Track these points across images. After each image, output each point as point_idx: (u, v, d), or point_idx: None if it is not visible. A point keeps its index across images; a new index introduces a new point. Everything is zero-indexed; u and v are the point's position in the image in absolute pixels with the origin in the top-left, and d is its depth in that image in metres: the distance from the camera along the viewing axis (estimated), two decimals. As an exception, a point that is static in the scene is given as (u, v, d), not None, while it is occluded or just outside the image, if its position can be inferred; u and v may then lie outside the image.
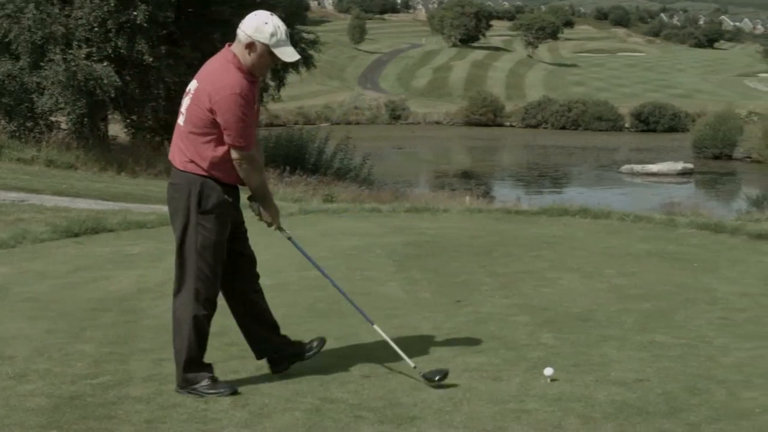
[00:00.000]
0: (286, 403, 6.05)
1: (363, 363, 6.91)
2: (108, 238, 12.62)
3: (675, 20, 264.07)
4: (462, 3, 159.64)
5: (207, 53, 32.42)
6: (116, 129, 34.82)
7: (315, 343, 6.72)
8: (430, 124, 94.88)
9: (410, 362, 6.60)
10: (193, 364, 6.23)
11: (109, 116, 33.87)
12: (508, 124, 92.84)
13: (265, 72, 6.15)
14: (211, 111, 5.94)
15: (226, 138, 6.00)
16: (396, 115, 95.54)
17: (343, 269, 10.04)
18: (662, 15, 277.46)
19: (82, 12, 29.46)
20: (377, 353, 7.13)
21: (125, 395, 6.18)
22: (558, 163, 59.17)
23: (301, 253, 6.77)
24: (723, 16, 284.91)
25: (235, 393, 6.18)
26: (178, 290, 6.28)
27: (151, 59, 29.47)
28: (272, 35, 6.03)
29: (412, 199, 24.55)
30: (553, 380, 6.43)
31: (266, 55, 6.08)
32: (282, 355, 6.65)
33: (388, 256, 11.03)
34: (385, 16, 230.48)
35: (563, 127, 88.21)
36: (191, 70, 30.89)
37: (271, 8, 34.25)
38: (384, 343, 7.24)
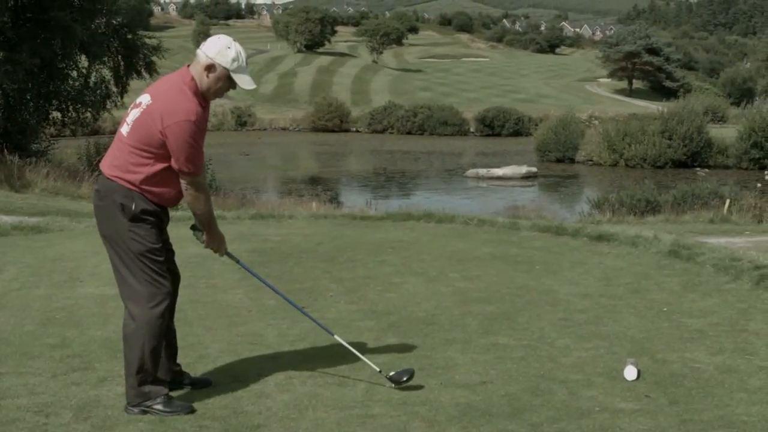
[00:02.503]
0: (129, 414, 5.95)
1: (208, 371, 6.85)
2: (-56, 249, 12.27)
3: (517, 26, 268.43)
4: (306, 9, 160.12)
5: (47, 59, 31.63)
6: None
7: (200, 383, 6.56)
8: (277, 130, 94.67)
9: (375, 366, 6.65)
10: (148, 377, 6.02)
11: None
12: (354, 129, 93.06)
13: (219, 96, 6.07)
14: (162, 133, 5.80)
15: (174, 163, 5.88)
16: (242, 121, 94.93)
17: (188, 277, 9.90)
18: (505, 21, 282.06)
19: None
20: (222, 361, 7.10)
21: (-39, 411, 5.99)
22: (404, 168, 59.46)
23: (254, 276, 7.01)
24: (563, 23, 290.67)
25: (192, 412, 6.01)
26: (126, 302, 6.05)
27: (-13, 65, 28.69)
28: (234, 60, 6.02)
29: (258, 205, 24.47)
30: (397, 385, 6.47)
31: (224, 80, 6.03)
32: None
33: (233, 264, 10.93)
34: (230, 22, 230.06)
35: (409, 132, 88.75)
36: (30, 77, 30.26)
37: (113, 14, 33.94)
38: (229, 351, 7.23)
